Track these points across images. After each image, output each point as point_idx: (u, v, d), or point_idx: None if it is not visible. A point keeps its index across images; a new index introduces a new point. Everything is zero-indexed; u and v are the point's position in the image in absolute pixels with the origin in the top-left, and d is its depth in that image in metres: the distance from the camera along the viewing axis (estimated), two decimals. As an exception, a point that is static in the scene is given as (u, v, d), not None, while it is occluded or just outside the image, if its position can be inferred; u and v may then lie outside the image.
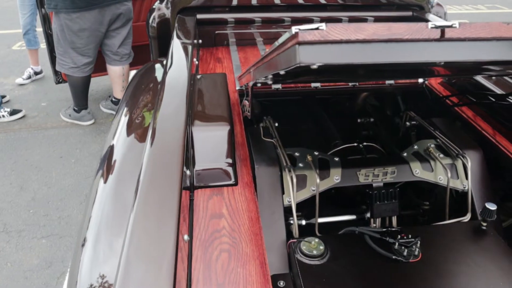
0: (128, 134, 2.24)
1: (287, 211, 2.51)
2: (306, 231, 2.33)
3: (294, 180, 2.21)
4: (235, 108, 2.67)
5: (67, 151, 4.83)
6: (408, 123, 2.94)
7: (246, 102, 2.55)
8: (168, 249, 1.32)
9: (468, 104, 2.62)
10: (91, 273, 1.52)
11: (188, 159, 2.06)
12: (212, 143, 2.10)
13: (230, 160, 2.07)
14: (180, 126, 1.98)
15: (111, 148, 2.16)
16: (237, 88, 3.02)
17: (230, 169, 2.06)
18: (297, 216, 2.43)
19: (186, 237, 1.59)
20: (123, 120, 2.43)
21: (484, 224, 2.08)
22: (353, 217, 2.40)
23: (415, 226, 2.20)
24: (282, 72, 1.67)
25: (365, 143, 2.71)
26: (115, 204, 1.75)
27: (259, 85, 2.33)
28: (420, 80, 3.08)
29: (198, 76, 2.72)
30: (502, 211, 2.91)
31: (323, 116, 3.55)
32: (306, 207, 2.60)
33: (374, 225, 2.34)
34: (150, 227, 1.41)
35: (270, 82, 2.11)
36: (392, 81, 3.06)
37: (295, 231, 2.19)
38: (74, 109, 5.41)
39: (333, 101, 4.15)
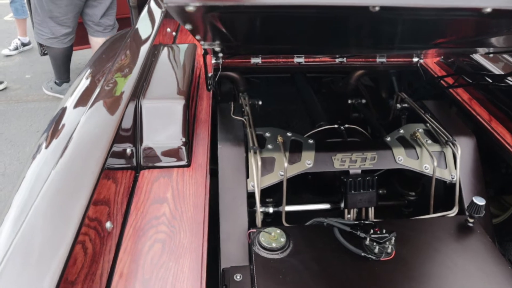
0: (75, 102, 1.99)
1: (254, 197, 2.29)
2: (276, 220, 2.10)
3: (259, 162, 1.96)
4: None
5: (45, 126, 4.59)
6: (399, 105, 2.67)
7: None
8: (63, 238, 1.09)
9: (464, 85, 2.34)
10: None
11: (135, 135, 1.82)
12: (163, 118, 1.85)
13: (183, 139, 1.83)
14: (122, 97, 1.74)
15: (57, 115, 1.92)
16: (213, 61, 2.75)
17: (182, 149, 1.81)
18: (267, 203, 2.20)
19: (108, 224, 1.35)
20: (77, 87, 2.19)
21: (471, 220, 1.82)
22: (327, 206, 2.16)
23: (393, 219, 1.95)
24: (188, 27, 1.43)
25: (346, 125, 2.45)
26: (32, 180, 1.51)
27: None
28: (415, 59, 2.80)
29: (165, 46, 2.46)
30: (496, 205, 2.65)
31: (311, 96, 3.28)
32: (278, 194, 2.36)
33: (349, 216, 2.10)
34: (49, 211, 1.18)
35: (217, 49, 1.86)
36: (383, 59, 2.77)
37: (258, 220, 1.95)
38: (55, 82, 5.17)
39: (326, 80, 3.88)
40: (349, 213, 2.05)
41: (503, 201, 2.56)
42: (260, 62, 2.75)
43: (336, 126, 2.43)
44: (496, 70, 2.28)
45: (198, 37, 1.61)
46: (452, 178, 2.06)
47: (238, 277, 1.69)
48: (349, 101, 3.20)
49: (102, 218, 1.36)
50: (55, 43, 4.57)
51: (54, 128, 1.72)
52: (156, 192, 1.66)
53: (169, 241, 1.45)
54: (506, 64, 2.22)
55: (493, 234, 2.02)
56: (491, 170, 2.48)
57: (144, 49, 2.26)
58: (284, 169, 1.96)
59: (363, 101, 3.18)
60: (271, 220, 2.29)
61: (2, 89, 5.28)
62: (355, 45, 2.11)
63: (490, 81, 2.15)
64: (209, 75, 2.24)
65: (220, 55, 2.63)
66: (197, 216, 1.54)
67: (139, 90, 1.89)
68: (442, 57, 2.74)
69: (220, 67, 2.73)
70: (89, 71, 2.34)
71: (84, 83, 2.05)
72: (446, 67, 2.64)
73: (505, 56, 2.43)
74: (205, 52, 1.64)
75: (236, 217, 1.92)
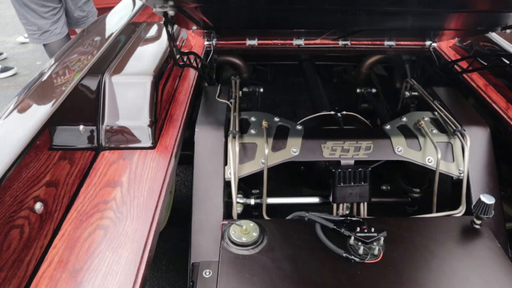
0: (46, 78, 1.84)
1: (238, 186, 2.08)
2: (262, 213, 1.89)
3: (237, 148, 1.75)
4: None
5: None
6: (407, 93, 2.41)
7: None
8: None
9: (479, 69, 2.06)
10: None
11: (97, 114, 1.64)
12: (128, 96, 1.65)
13: (149, 119, 1.64)
14: (75, 74, 1.56)
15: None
16: (205, 43, 2.56)
17: (147, 130, 1.63)
18: (253, 194, 2.00)
19: (38, 205, 1.17)
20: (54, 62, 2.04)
21: (478, 222, 1.56)
22: (315, 200, 1.93)
23: (387, 217, 1.70)
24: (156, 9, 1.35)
25: (344, 112, 2.20)
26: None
27: None
28: (428, 43, 2.53)
29: (147, 24, 2.28)
30: (510, 206, 2.36)
31: (317, 84, 3.05)
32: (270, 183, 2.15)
33: (341, 212, 1.86)
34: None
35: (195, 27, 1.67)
36: (392, 42, 2.51)
37: (234, 212, 1.74)
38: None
39: (337, 69, 3.64)
40: (338, 208, 1.82)
41: None
42: (256, 44, 2.54)
43: (332, 113, 2.20)
44: None
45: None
46: (460, 173, 1.80)
47: (207, 273, 1.50)
48: (358, 90, 2.95)
49: (46, 200, 1.19)
50: (48, 38, 4.35)
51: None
52: (111, 174, 1.48)
53: (112, 228, 1.26)
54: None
55: (505, 239, 1.75)
56: (510, 166, 2.20)
57: (116, 26, 2.10)
58: (265, 156, 1.74)
59: (373, 90, 2.93)
60: (258, 214, 2.09)
61: (12, 75, 5.22)
62: (353, 22, 1.88)
63: (508, 62, 1.87)
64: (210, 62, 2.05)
65: (214, 39, 2.44)
66: (149, 202, 1.35)
67: (106, 66, 1.72)
68: (458, 40, 2.46)
69: (213, 48, 2.54)
70: (62, 51, 2.19)
71: (50, 63, 1.89)
72: (462, 51, 2.37)
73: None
74: (168, 20, 1.44)
75: (210, 207, 1.73)
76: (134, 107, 1.64)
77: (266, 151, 1.73)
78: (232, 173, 1.73)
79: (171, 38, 1.51)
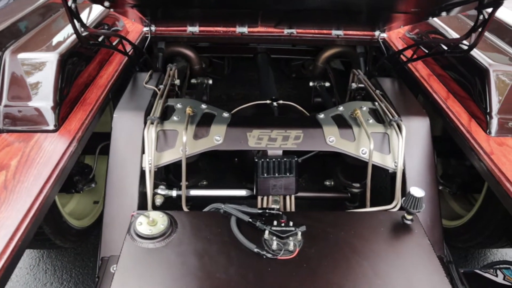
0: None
1: (166, 177, 1.95)
2: (195, 206, 1.77)
3: (153, 134, 1.61)
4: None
5: None
6: (354, 85, 2.30)
7: None
8: None
9: (421, 57, 1.96)
10: None
11: None
12: (30, 75, 1.51)
13: (52, 100, 1.49)
14: None
15: None
16: (144, 29, 2.42)
17: (50, 112, 1.48)
18: (185, 185, 1.87)
19: None
20: None
21: (409, 217, 1.45)
22: (242, 193, 1.80)
23: (312, 211, 1.59)
24: None
25: (281, 102, 2.08)
26: None
27: None
28: (377, 33, 2.42)
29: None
30: (459, 203, 2.27)
31: (267, 77, 2.93)
32: (197, 175, 2.02)
33: (268, 206, 1.73)
34: None
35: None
36: (340, 32, 2.41)
37: (149, 203, 1.60)
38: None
39: (296, 64, 3.53)
40: (264, 202, 1.69)
41: (474, 200, 2.18)
42: (198, 31, 2.41)
43: (268, 102, 2.07)
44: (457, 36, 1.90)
45: None
46: (395, 166, 1.69)
47: (114, 269, 1.36)
48: (311, 84, 2.84)
49: None
50: None
51: None
52: (1, 158, 1.33)
53: None
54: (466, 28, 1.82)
55: (441, 235, 1.65)
56: (457, 161, 2.11)
57: (31, 5, 1.95)
58: (183, 144, 1.61)
59: (327, 84, 2.82)
60: (189, 207, 1.96)
61: None
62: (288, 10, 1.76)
63: (446, 48, 1.77)
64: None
65: (153, 26, 2.30)
66: (33, 188, 1.21)
67: (8, 44, 1.58)
68: (407, 31, 2.37)
69: (150, 34, 2.40)
70: None
71: None
72: (410, 41, 2.27)
73: (467, 19, 2.06)
74: None
75: (124, 198, 1.59)
76: (36, 87, 1.50)
77: (184, 138, 1.60)
78: (147, 161, 1.60)
79: (71, 12, 1.37)
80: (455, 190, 2.06)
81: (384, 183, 2.47)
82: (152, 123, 1.64)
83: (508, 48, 1.81)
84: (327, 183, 2.13)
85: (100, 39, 1.77)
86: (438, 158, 2.34)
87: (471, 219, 1.99)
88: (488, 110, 1.59)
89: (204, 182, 2.08)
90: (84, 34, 1.49)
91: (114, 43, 1.91)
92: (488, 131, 1.57)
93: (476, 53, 1.72)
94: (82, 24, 1.45)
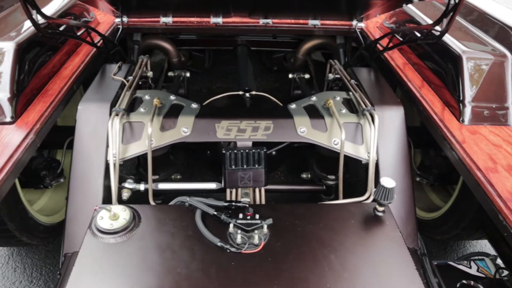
0: None
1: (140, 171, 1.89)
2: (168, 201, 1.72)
3: (117, 126, 1.56)
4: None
5: None
6: (331, 75, 2.26)
7: None
8: None
9: (396, 46, 1.92)
10: None
11: None
12: None
13: (8, 91, 1.43)
14: None
15: None
16: (116, 20, 2.35)
17: (6, 104, 1.42)
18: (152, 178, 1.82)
19: None
20: None
21: (380, 209, 1.41)
22: (212, 186, 1.75)
23: (282, 203, 1.54)
24: None
25: (254, 92, 2.04)
26: None
27: None
28: (354, 23, 2.38)
29: None
30: (438, 195, 2.24)
31: (246, 70, 2.89)
32: (169, 168, 1.96)
33: (247, 199, 1.68)
34: None
35: None
36: (317, 22, 2.36)
37: (114, 198, 1.55)
38: None
39: (277, 56, 3.48)
40: (233, 195, 1.64)
41: (452, 191, 2.15)
42: (171, 22, 2.34)
43: (241, 93, 2.02)
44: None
45: None
46: (369, 157, 1.65)
47: None
48: (290, 76, 2.80)
49: None
50: None
51: None
52: (-51, 152, 1.28)
53: None
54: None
55: (415, 227, 1.61)
56: (435, 152, 2.07)
57: None
58: (148, 136, 1.56)
59: (307, 76, 2.78)
60: (160, 202, 1.92)
61: None
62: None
63: (419, 35, 1.73)
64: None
65: (125, 17, 2.24)
66: None
67: None
68: (384, 20, 2.33)
69: (122, 25, 2.33)
70: None
71: None
72: (387, 30, 2.23)
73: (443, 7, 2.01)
74: None
75: (89, 192, 1.54)
76: None
77: (149, 130, 1.55)
78: (111, 154, 1.55)
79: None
80: (433, 181, 2.03)
81: (362, 175, 2.44)
82: (117, 114, 1.58)
83: (483, 35, 1.77)
84: (304, 176, 2.09)
85: (62, 29, 1.70)
86: (418, 149, 2.31)
87: (448, 210, 1.96)
88: (461, 98, 1.55)
89: (178, 176, 2.03)
90: (42, 22, 1.43)
91: (80, 34, 1.85)
92: (461, 119, 1.53)
93: (450, 40, 1.69)
94: (39, 12, 1.39)
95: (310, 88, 2.73)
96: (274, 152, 1.91)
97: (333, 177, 1.93)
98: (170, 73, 2.76)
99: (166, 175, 1.91)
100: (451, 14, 1.40)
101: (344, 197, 1.69)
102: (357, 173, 2.33)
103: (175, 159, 2.01)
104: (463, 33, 1.80)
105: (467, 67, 1.56)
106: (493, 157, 1.36)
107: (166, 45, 2.80)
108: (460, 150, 1.40)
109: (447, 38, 1.69)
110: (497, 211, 1.21)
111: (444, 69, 1.70)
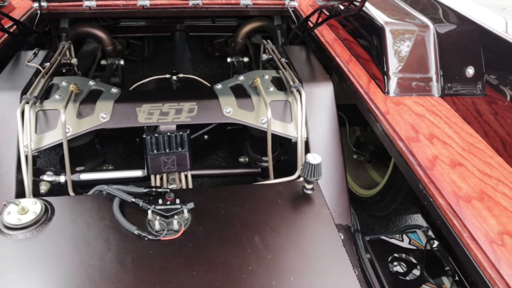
0: None
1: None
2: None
3: (27, 115, 1.45)
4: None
5: None
6: (265, 56, 2.21)
7: None
8: None
9: (323, 22, 1.88)
10: None
11: None
12: None
13: None
14: None
15: None
16: (34, 5, 2.21)
17: None
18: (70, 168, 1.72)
19: None
20: None
21: (309, 186, 1.37)
22: (138, 173, 1.67)
23: (206, 187, 1.48)
24: None
25: (181, 75, 1.96)
26: None
27: None
28: (287, 1, 2.34)
29: None
30: (378, 172, 2.24)
31: (183, 54, 2.80)
32: (96, 158, 1.86)
33: (174, 186, 1.62)
34: None
35: None
36: (249, 1, 2.30)
37: (28, 191, 1.45)
38: None
39: (219, 42, 3.40)
40: (157, 181, 1.56)
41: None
42: (95, 6, 2.23)
43: (167, 76, 1.94)
44: None
45: None
46: (298, 134, 1.61)
47: None
48: (229, 60, 2.73)
49: None
50: None
51: None
52: None
53: None
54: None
55: (347, 204, 1.59)
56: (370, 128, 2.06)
57: None
58: (62, 123, 1.46)
59: (245, 59, 2.72)
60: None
61: None
62: None
63: (342, 7, 1.70)
64: None
65: (44, 2, 2.10)
66: None
67: None
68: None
69: (40, 10, 2.20)
70: None
71: None
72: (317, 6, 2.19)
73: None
74: None
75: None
76: None
77: (63, 117, 1.45)
78: (22, 145, 1.44)
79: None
80: (369, 158, 2.02)
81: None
82: (27, 102, 1.47)
83: (408, 8, 1.76)
84: (242, 159, 2.04)
85: None
86: (356, 126, 2.31)
87: (384, 186, 1.96)
88: (385, 70, 1.53)
89: (110, 167, 1.94)
90: None
91: None
92: (386, 91, 1.51)
93: (374, 12, 1.67)
94: None
95: (244, 70, 2.67)
96: (206, 136, 1.85)
97: (267, 158, 1.89)
98: (103, 62, 2.63)
99: (92, 165, 1.81)
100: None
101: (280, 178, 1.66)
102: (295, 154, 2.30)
103: (102, 149, 1.91)
104: (388, 5, 1.78)
105: (390, 37, 1.54)
106: (415, 126, 1.34)
107: (98, 32, 2.67)
108: (384, 121, 1.38)
109: (372, 11, 1.67)
110: (418, 180, 1.19)
111: (370, 42, 1.67)
